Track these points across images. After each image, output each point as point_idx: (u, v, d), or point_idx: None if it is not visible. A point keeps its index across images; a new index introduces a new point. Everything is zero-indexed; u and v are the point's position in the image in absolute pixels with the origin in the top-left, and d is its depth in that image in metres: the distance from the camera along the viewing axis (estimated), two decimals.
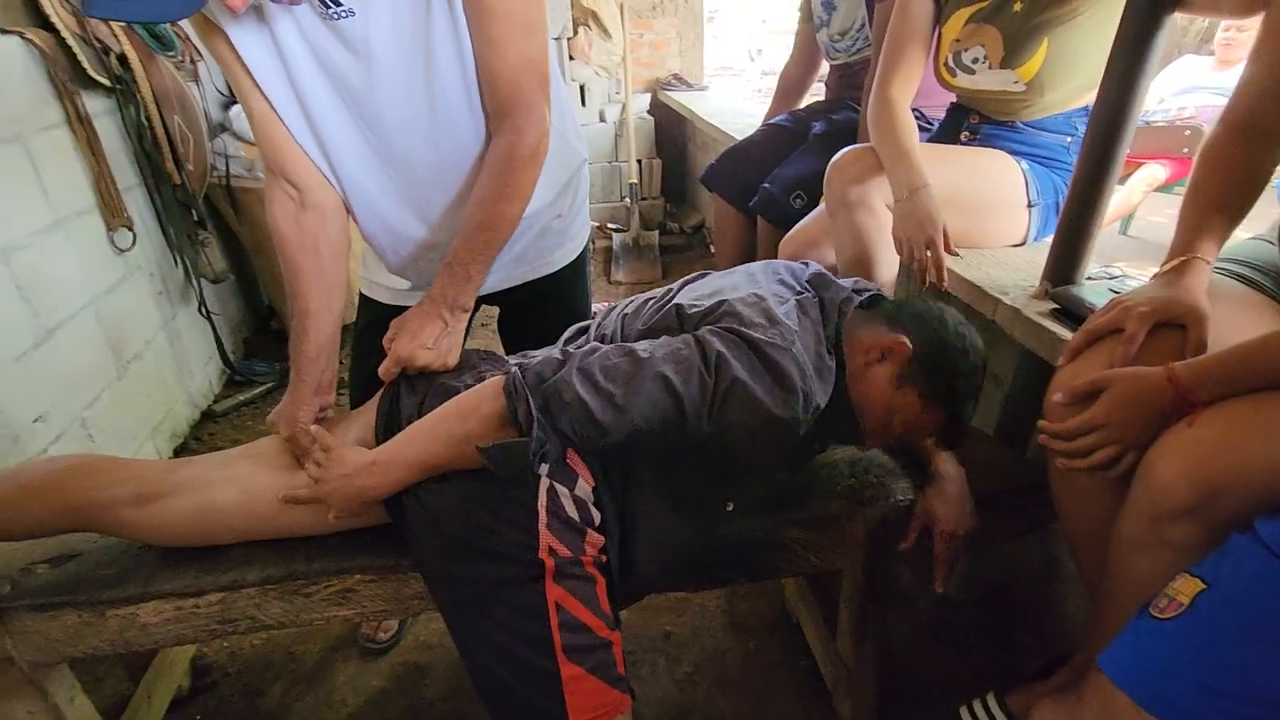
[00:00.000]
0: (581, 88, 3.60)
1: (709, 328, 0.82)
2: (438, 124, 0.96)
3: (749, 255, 1.97)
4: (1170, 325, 0.80)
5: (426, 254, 1.10)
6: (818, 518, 1.04)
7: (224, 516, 0.94)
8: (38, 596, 0.92)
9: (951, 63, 1.30)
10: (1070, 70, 1.22)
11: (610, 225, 3.61)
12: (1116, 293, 1.08)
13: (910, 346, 0.88)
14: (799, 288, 0.95)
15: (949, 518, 1.00)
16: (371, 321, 1.14)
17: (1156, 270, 0.88)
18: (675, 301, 0.90)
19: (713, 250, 3.56)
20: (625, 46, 3.54)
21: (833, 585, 1.22)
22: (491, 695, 0.86)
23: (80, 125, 1.76)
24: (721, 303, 0.84)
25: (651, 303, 0.97)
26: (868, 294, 0.98)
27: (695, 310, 0.86)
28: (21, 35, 1.62)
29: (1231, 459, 0.66)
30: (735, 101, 3.53)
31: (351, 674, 1.38)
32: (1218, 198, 0.83)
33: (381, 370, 0.97)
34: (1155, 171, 3.16)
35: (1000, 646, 1.37)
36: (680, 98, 3.56)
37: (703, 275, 1.03)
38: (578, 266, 1.26)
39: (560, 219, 1.17)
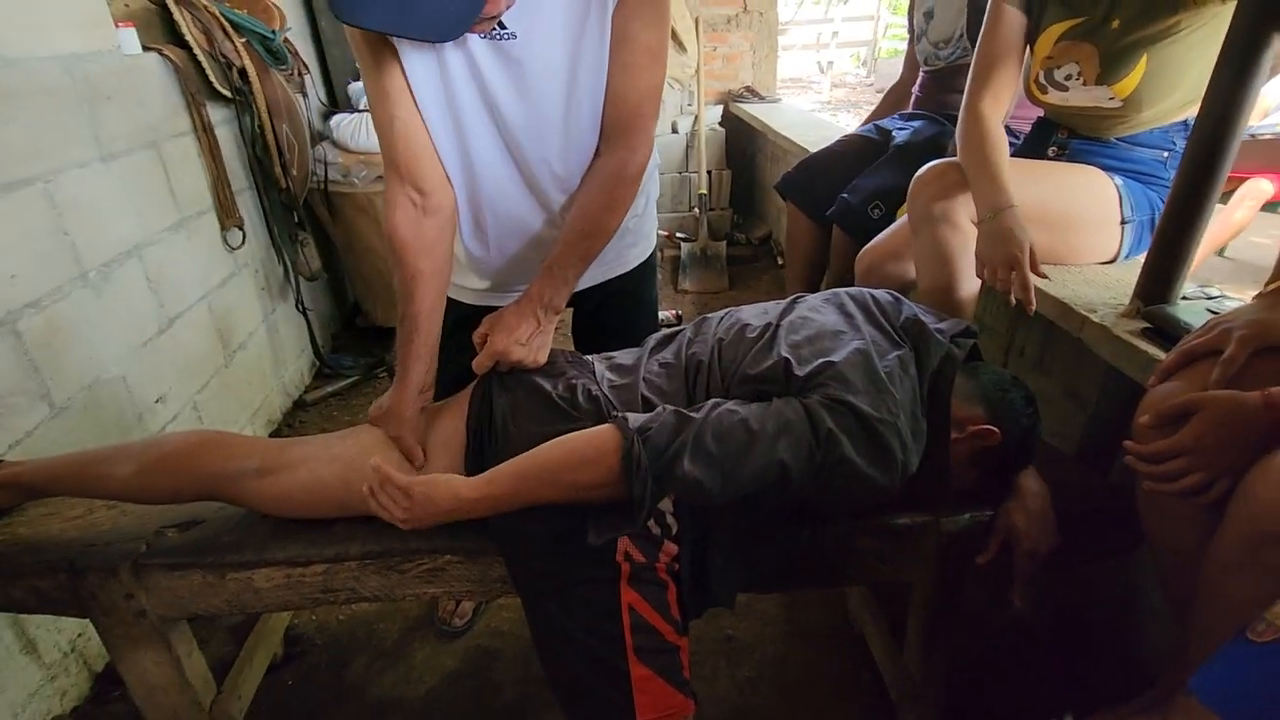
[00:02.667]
0: None
1: (819, 398, 0.84)
2: (569, 136, 1.04)
3: (820, 267, 1.97)
4: (1272, 350, 0.78)
5: (532, 253, 1.16)
6: (891, 528, 1.05)
7: (331, 492, 1.03)
8: (169, 557, 1.03)
9: (1043, 79, 1.28)
10: (1170, 86, 1.19)
11: (679, 235, 3.66)
12: (1214, 313, 1.05)
13: (999, 438, 0.95)
14: (896, 337, 0.96)
15: (1031, 534, 0.99)
16: (456, 321, 1.20)
17: (1258, 291, 0.86)
18: (781, 354, 0.91)
19: (780, 261, 3.56)
20: (699, 59, 3.59)
21: (898, 597, 1.22)
22: (562, 684, 0.91)
23: (204, 133, 1.93)
24: (829, 364, 0.87)
25: (750, 338, 0.98)
26: (967, 345, 1.00)
27: (803, 371, 0.88)
28: (160, 52, 1.79)
29: None
30: (808, 114, 3.53)
31: (428, 653, 1.46)
32: None
33: (476, 364, 1.04)
34: (1262, 186, 2.99)
35: (1071, 672, 1.33)
36: (752, 110, 3.58)
37: (796, 301, 1.05)
38: (649, 266, 1.33)
39: (636, 219, 1.23)
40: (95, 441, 1.47)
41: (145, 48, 1.77)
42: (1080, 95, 1.24)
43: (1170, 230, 1.08)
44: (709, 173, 3.75)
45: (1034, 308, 1.11)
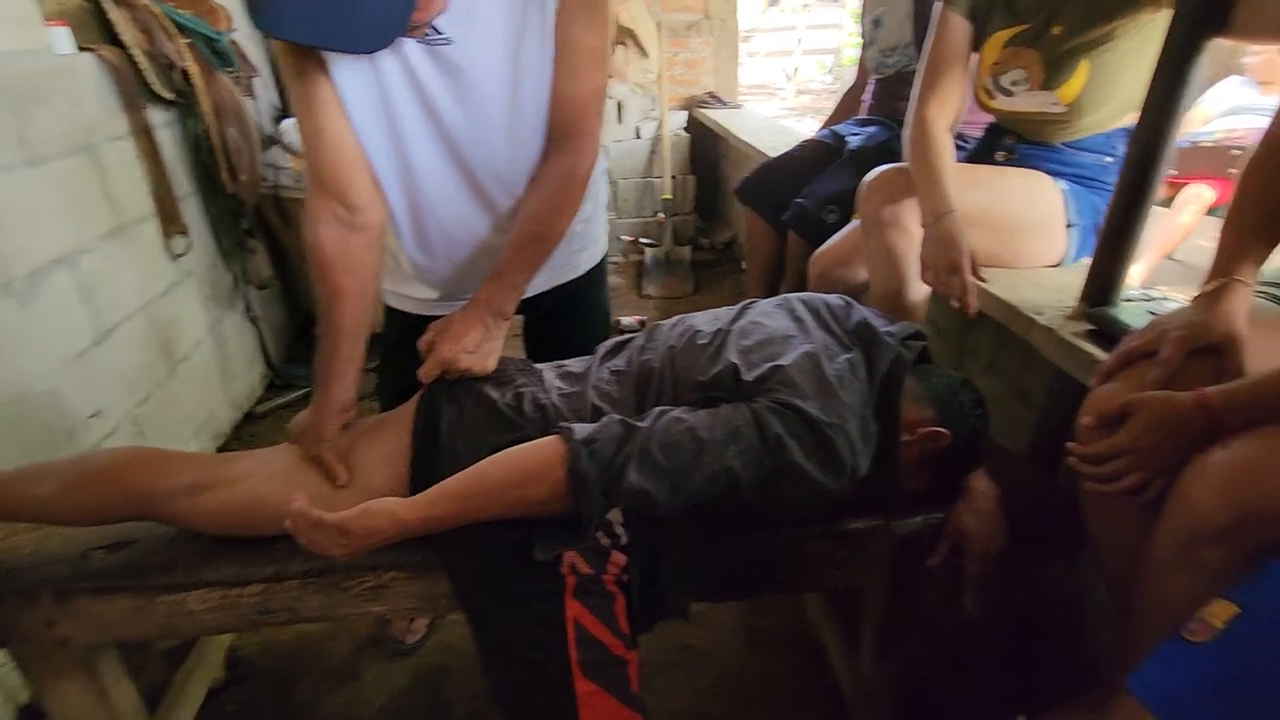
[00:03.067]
0: (618, 104, 3.66)
1: (767, 403, 0.84)
2: (514, 142, 1.03)
3: (779, 270, 1.98)
4: (1207, 350, 0.79)
5: (480, 260, 1.14)
6: (843, 532, 1.04)
7: (269, 509, 0.98)
8: (95, 580, 0.97)
9: (990, 85, 1.30)
10: (1110, 91, 1.21)
11: (643, 240, 3.65)
12: (1155, 315, 1.07)
13: (949, 440, 0.95)
14: (846, 340, 0.97)
15: (980, 535, 1.00)
16: (403, 332, 1.18)
17: (1195, 293, 0.87)
18: (730, 360, 0.90)
19: (744, 266, 3.58)
20: (661, 65, 3.60)
21: (855, 602, 1.22)
22: (507, 702, 0.88)
23: (143, 136, 1.86)
24: (778, 369, 0.86)
25: (700, 344, 0.98)
26: (916, 348, 1.00)
27: (751, 376, 0.87)
28: (95, 52, 1.72)
29: (1267, 483, 0.65)
30: (769, 119, 3.56)
31: (378, 673, 1.42)
32: (1258, 220, 0.83)
33: (422, 372, 1.00)
34: (1202, 192, 3.09)
35: (1025, 672, 1.34)
36: (715, 115, 3.60)
37: (748, 307, 1.04)
38: (599, 270, 1.32)
39: (584, 223, 1.22)
40: (21, 460, 1.39)
41: (81, 48, 1.70)
42: (1026, 100, 1.26)
43: (1112, 233, 1.10)
44: (673, 178, 3.75)
45: (975, 311, 1.12)
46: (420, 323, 1.17)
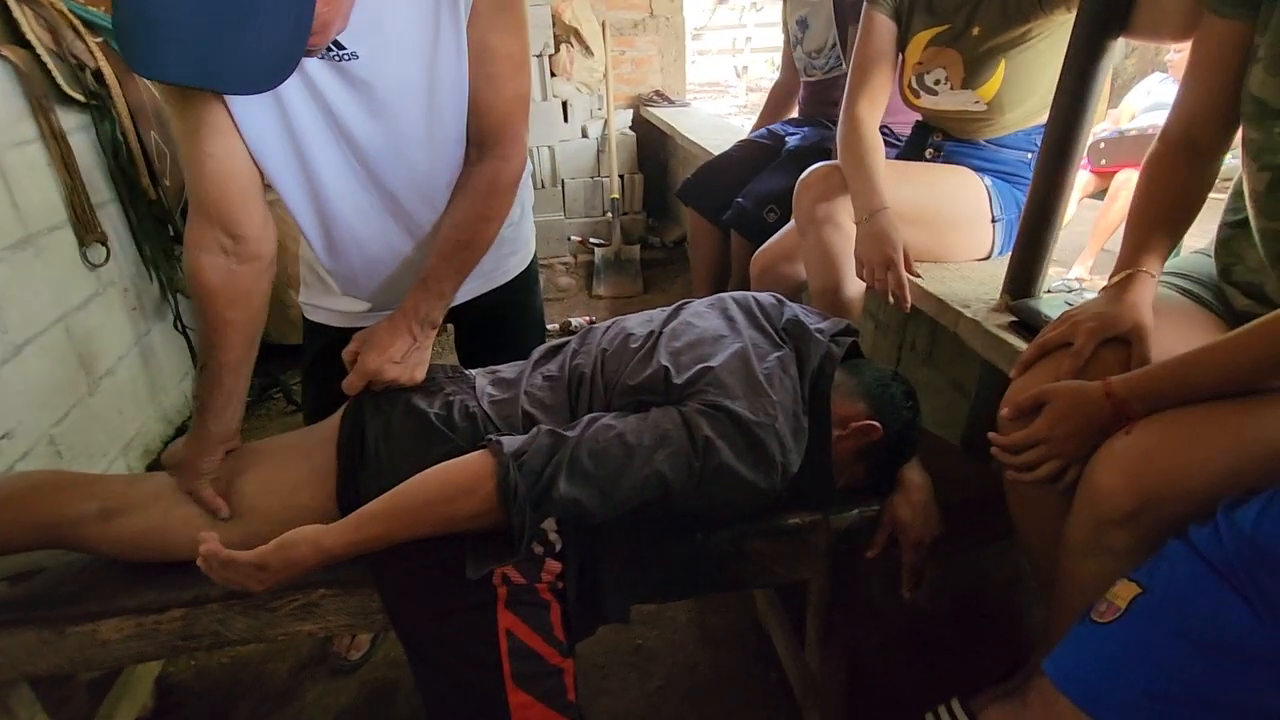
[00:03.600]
0: (564, 104, 3.63)
1: (697, 405, 0.84)
2: (434, 154, 1.00)
3: (724, 269, 1.99)
4: (1117, 340, 0.82)
5: (404, 274, 1.10)
6: (781, 528, 1.05)
7: (185, 531, 0.94)
8: None
9: (915, 84, 1.33)
10: (1028, 90, 1.26)
11: (592, 240, 3.64)
12: (1072, 305, 1.11)
13: (881, 432, 0.96)
14: (777, 338, 0.97)
15: (916, 525, 1.02)
16: (326, 346, 1.13)
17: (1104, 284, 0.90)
18: (661, 363, 0.90)
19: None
20: (607, 63, 3.58)
21: (802, 596, 1.23)
22: (439, 716, 0.86)
23: (54, 141, 1.76)
24: (707, 371, 0.87)
25: (633, 347, 0.97)
26: (846, 344, 1.01)
27: (681, 379, 0.87)
28: None
29: (1168, 466, 0.68)
30: (716, 118, 3.58)
31: (321, 692, 1.37)
32: (1160, 213, 0.86)
33: (346, 384, 0.97)
34: (1132, 176, 3.23)
35: (968, 655, 1.38)
36: (662, 114, 3.60)
37: (681, 307, 1.05)
38: (530, 274, 1.30)
39: (512, 226, 1.20)
40: None
41: None
42: (949, 99, 1.30)
43: (1029, 226, 1.13)
44: (621, 177, 3.74)
45: (909, 305, 1.14)
46: (344, 335, 1.14)
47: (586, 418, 0.86)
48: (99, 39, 1.91)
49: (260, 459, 1.00)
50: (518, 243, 1.24)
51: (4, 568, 1.00)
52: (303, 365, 1.30)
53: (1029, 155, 1.34)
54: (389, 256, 1.09)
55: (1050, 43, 1.19)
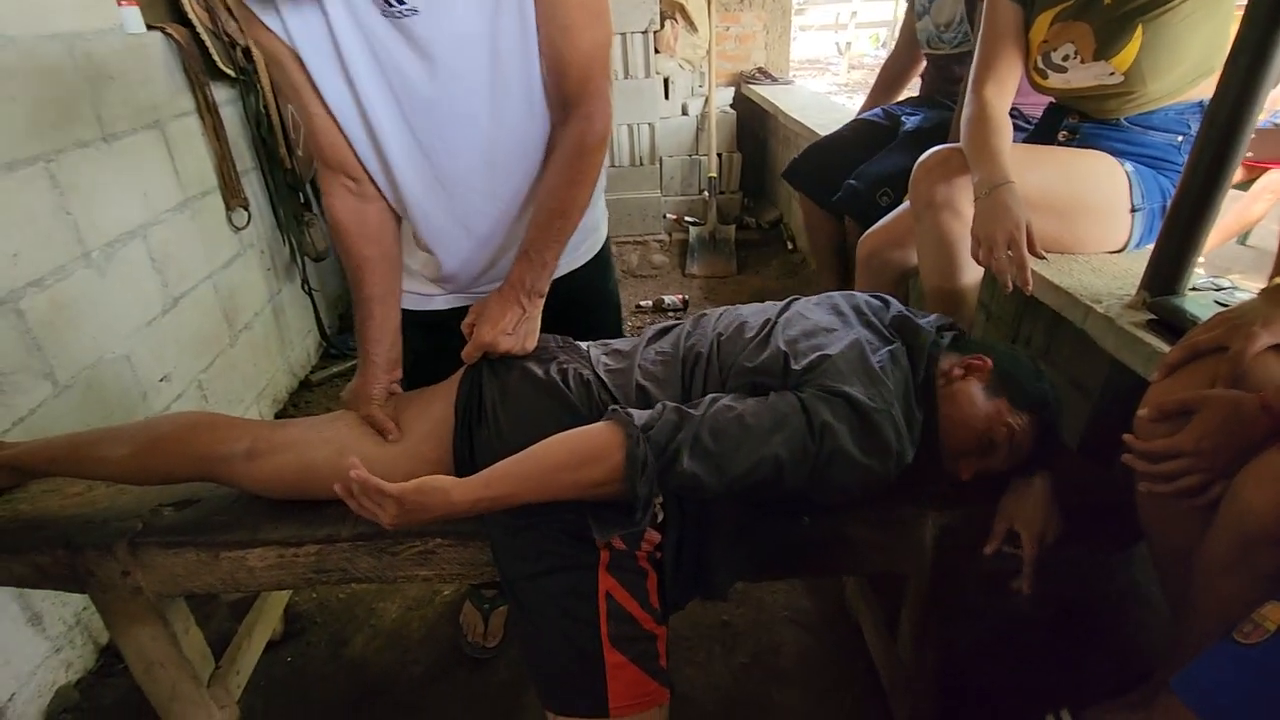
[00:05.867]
0: (666, 80, 3.62)
1: (815, 390, 0.84)
2: (499, 125, 0.97)
3: (844, 255, 1.94)
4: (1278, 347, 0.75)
5: (475, 253, 1.11)
6: (886, 519, 1.04)
7: (321, 475, 1.03)
8: (164, 535, 1.04)
9: (1042, 64, 1.25)
10: (1172, 58, 1.14)
11: (688, 219, 3.63)
12: (1223, 305, 1.02)
13: (991, 362, 0.96)
14: (886, 334, 0.97)
15: (1035, 520, 0.98)
16: (427, 331, 1.16)
17: (1265, 285, 0.83)
18: (779, 348, 0.92)
19: (790, 246, 3.52)
20: (711, 39, 3.53)
21: (893, 587, 1.21)
22: (538, 668, 0.91)
23: (208, 113, 1.92)
24: (825, 358, 0.87)
25: (748, 336, 0.98)
26: (950, 336, 1.01)
27: (800, 365, 0.88)
28: (164, 30, 1.79)
29: None
30: (820, 96, 3.47)
31: (426, 633, 1.48)
32: None
33: (464, 354, 1.03)
34: None
35: (1070, 667, 1.32)
36: (764, 91, 3.53)
37: (792, 302, 1.06)
38: (602, 259, 1.27)
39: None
40: (99, 420, 1.49)
41: (149, 26, 1.76)
42: (1081, 74, 1.21)
43: (1180, 219, 1.05)
44: (719, 155, 3.70)
45: (1030, 289, 1.07)
46: (415, 317, 1.18)
47: (709, 397, 0.88)
48: None
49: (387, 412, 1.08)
50: (585, 231, 1.19)
51: (168, 495, 1.13)
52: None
53: (1179, 139, 1.23)
54: (456, 232, 1.08)
55: (1194, 5, 1.08)
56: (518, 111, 0.97)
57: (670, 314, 2.92)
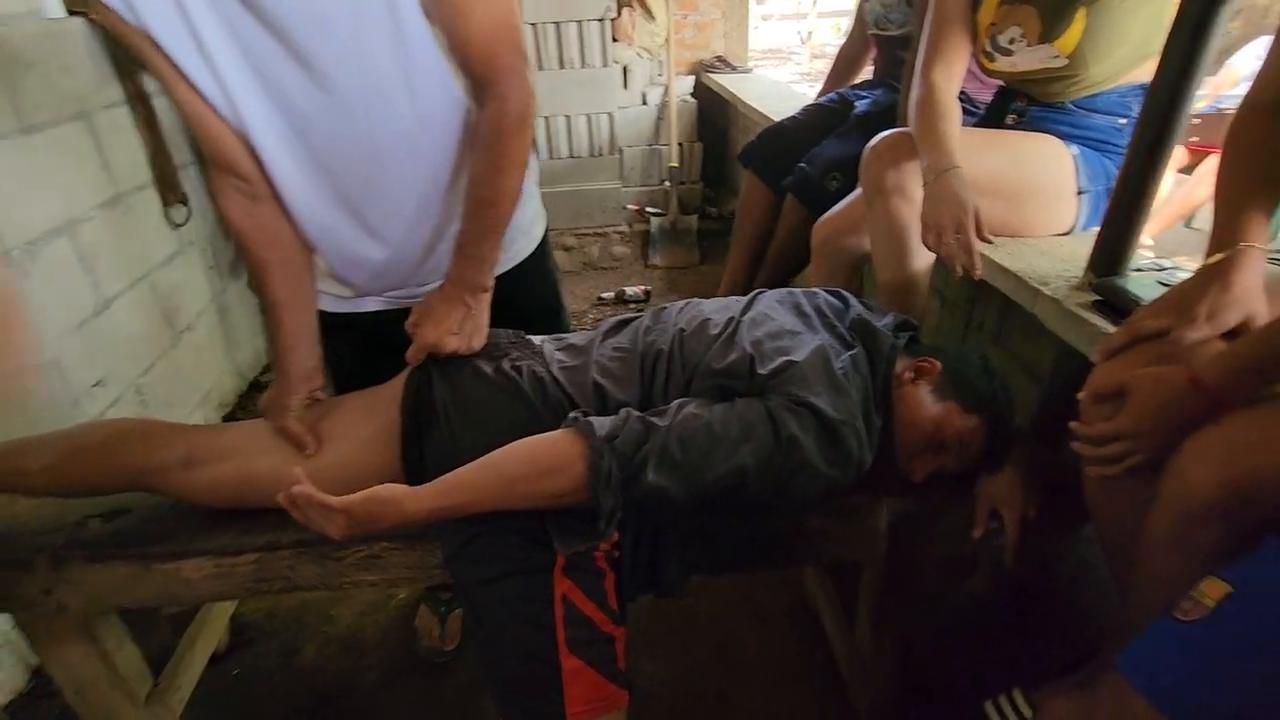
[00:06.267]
0: (624, 69, 3.57)
1: (782, 401, 0.84)
2: (382, 115, 0.90)
3: (767, 236, 1.94)
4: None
5: (383, 271, 1.06)
6: (840, 508, 1.03)
7: (264, 484, 0.98)
8: (90, 548, 0.98)
9: (989, 47, 1.25)
10: (1114, 40, 1.16)
11: (649, 209, 3.60)
12: (1165, 285, 1.04)
13: (939, 365, 0.97)
14: (847, 337, 0.98)
15: (1015, 500, 0.99)
16: (325, 330, 1.10)
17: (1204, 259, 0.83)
18: (745, 349, 0.90)
19: None
20: (669, 27, 3.50)
21: (852, 577, 1.21)
22: (494, 675, 0.88)
23: (139, 103, 1.83)
24: (791, 364, 0.87)
25: (712, 333, 0.97)
26: (906, 338, 1.03)
27: (765, 369, 0.87)
28: (87, 16, 1.69)
29: (1262, 460, 0.63)
30: (780, 85, 3.47)
31: (380, 638, 1.44)
32: (1255, 180, 0.78)
33: (409, 357, 0.99)
34: None
35: (1025, 646, 1.34)
36: (723, 80, 3.51)
37: (756, 298, 1.05)
38: (536, 262, 1.21)
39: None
40: (28, 428, 1.40)
41: (70, 11, 1.67)
42: (1027, 57, 1.21)
43: (1122, 199, 1.06)
44: (680, 145, 3.68)
45: (979, 273, 1.08)
46: (336, 320, 1.13)
47: (675, 404, 0.87)
48: None
49: (328, 419, 1.03)
50: (515, 230, 1.13)
51: (96, 506, 1.07)
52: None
53: (1123, 121, 1.25)
54: (343, 234, 1.01)
55: None
56: (398, 99, 0.90)
57: (632, 306, 2.89)
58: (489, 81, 0.91)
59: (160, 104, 1.91)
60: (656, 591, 0.98)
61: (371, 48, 0.85)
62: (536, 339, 1.08)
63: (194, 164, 2.09)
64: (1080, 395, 0.81)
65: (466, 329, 0.99)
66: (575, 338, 1.06)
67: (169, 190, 1.94)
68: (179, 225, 1.99)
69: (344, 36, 0.83)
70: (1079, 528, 1.18)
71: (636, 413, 0.86)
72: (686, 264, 3.37)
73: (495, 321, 1.09)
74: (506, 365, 0.99)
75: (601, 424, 0.83)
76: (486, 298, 1.02)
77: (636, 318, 1.07)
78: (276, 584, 1.02)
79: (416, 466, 0.96)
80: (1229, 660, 0.56)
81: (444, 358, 1.00)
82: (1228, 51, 3.58)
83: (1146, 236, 2.87)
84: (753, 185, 1.97)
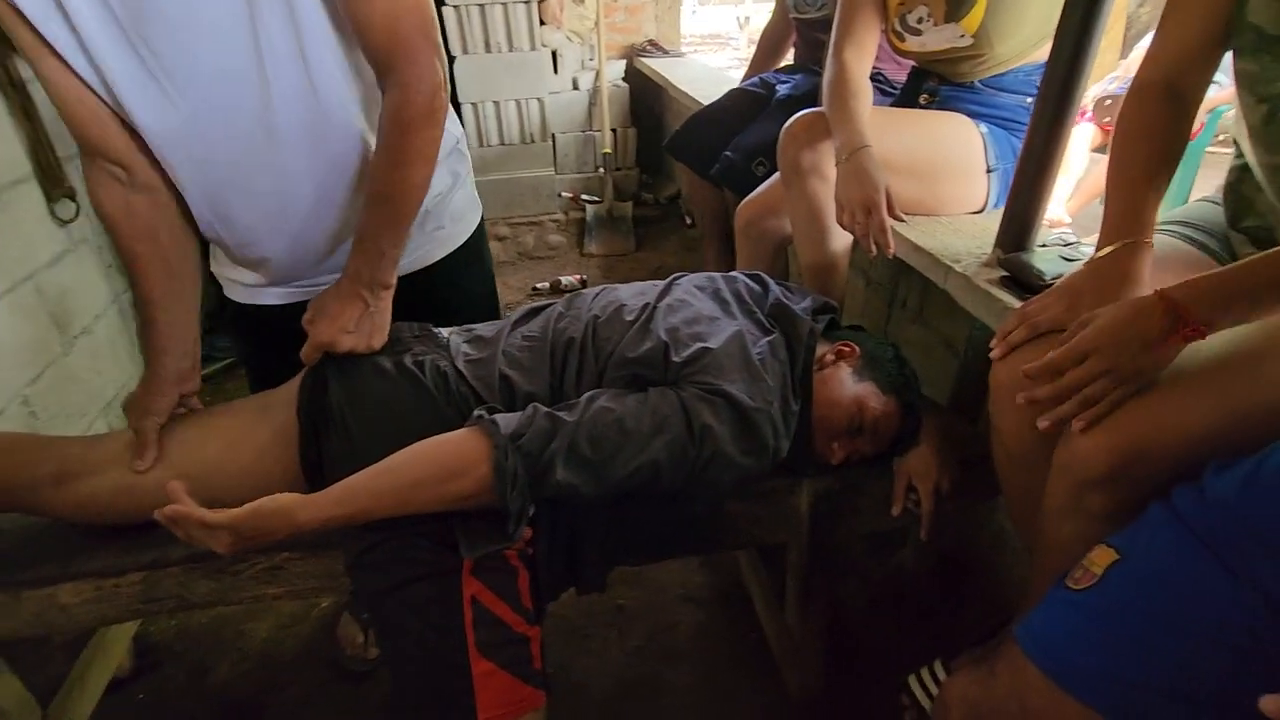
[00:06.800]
0: (554, 54, 3.50)
1: (696, 390, 0.83)
2: (276, 91, 0.84)
3: (727, 222, 1.93)
4: None
5: (285, 261, 0.99)
6: (759, 491, 1.03)
7: (143, 495, 0.91)
8: None
9: (899, 26, 1.26)
10: (1015, 19, 1.18)
11: (584, 196, 3.55)
12: (1069, 259, 1.06)
13: (858, 348, 0.99)
14: (766, 323, 0.97)
15: (929, 473, 1.00)
16: (237, 321, 1.05)
17: (1092, 255, 0.83)
18: (660, 337, 0.88)
19: (688, 221, 3.51)
20: (599, 10, 3.43)
21: (782, 557, 1.21)
22: (402, 686, 0.84)
23: (13, 90, 1.68)
24: (706, 351, 0.86)
25: (627, 319, 0.94)
26: (825, 320, 1.03)
27: (680, 357, 0.86)
28: None
29: (1149, 427, 0.64)
30: (712, 69, 3.45)
31: (300, 651, 1.37)
32: (1146, 166, 0.80)
33: (303, 355, 0.92)
34: None
35: (952, 616, 1.37)
36: (655, 65, 3.47)
37: (674, 283, 1.03)
38: (469, 252, 1.16)
39: (436, 198, 1.06)
40: None
41: None
42: (934, 37, 1.22)
43: (1025, 175, 1.07)
44: (614, 131, 3.63)
45: (892, 251, 1.09)
46: (246, 311, 1.07)
47: (585, 397, 0.84)
48: None
49: (221, 423, 0.97)
50: (444, 217, 1.09)
51: None
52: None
53: (1028, 100, 1.27)
54: (238, 221, 0.94)
55: None
56: (293, 76, 0.84)
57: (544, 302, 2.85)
58: (391, 68, 0.85)
59: (39, 90, 1.76)
60: (577, 587, 0.96)
61: (260, 24, 0.79)
62: (445, 331, 1.03)
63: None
64: (993, 353, 0.80)
65: (364, 328, 0.93)
66: (483, 329, 1.02)
67: (53, 184, 1.79)
68: (67, 222, 1.84)
69: (231, 11, 0.78)
70: (991, 497, 1.20)
71: (544, 408, 0.83)
72: (623, 251, 3.34)
73: (431, 314, 1.05)
74: (409, 361, 0.94)
75: (507, 421, 0.80)
76: (388, 295, 0.96)
77: (549, 305, 1.04)
78: (168, 603, 0.95)
79: (316, 472, 0.91)
80: (1116, 627, 0.56)
81: (341, 356, 0.94)
82: (1140, 35, 3.74)
83: (1065, 215, 2.99)
84: (692, 178, 1.96)
